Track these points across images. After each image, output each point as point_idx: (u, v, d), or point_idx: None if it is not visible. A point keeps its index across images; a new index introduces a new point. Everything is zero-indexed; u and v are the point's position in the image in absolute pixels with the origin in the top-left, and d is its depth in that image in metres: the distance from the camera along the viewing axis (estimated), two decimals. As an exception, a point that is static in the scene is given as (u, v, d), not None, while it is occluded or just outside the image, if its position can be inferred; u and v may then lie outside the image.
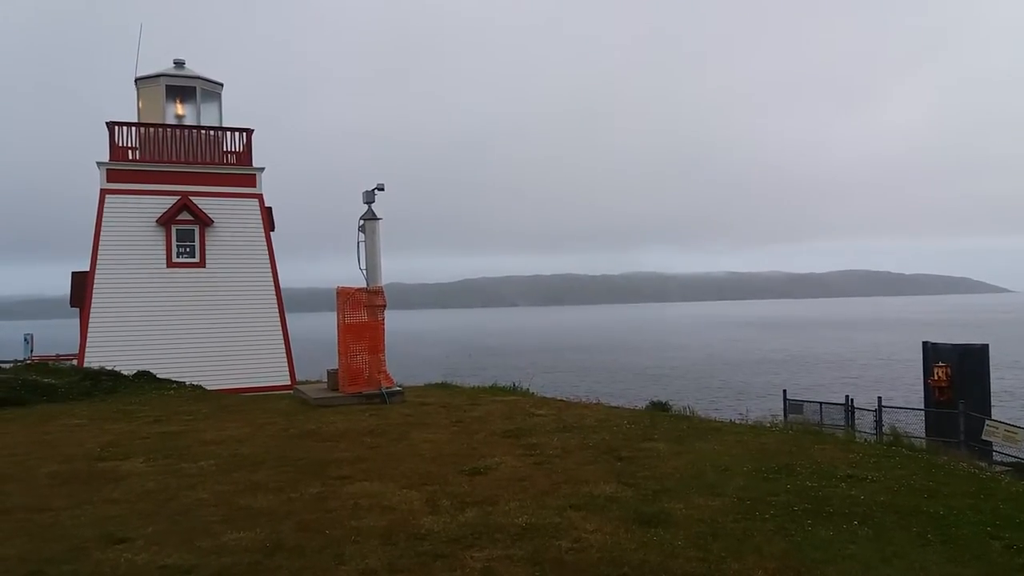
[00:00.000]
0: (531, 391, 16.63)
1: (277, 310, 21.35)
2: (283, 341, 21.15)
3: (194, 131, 21.32)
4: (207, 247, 20.75)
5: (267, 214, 21.61)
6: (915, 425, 22.55)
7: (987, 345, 24.37)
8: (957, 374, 23.48)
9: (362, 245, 15.04)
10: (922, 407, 24.76)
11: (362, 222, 15.02)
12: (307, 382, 19.35)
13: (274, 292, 21.41)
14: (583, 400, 15.26)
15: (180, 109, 22.11)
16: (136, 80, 21.76)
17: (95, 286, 19.65)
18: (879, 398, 23.90)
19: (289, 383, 20.10)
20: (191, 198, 20.53)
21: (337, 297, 14.41)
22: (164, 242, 20.35)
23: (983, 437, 20.02)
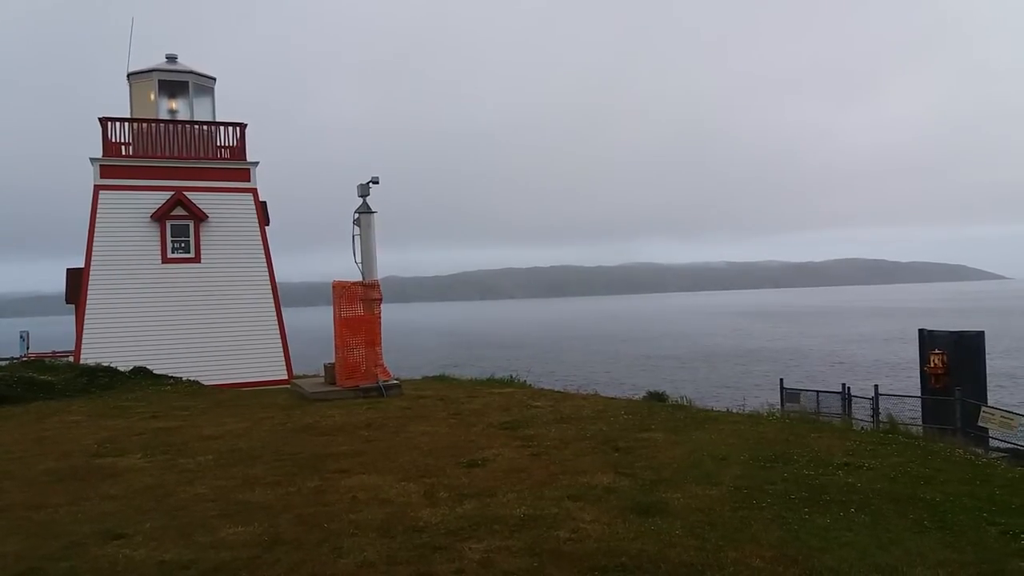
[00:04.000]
0: (528, 383, 16.65)
1: (273, 304, 21.30)
2: (279, 335, 21.12)
3: (187, 126, 21.22)
4: (202, 242, 20.67)
5: (262, 208, 21.54)
6: (912, 412, 22.60)
7: (983, 332, 24.40)
8: (953, 361, 23.50)
9: (357, 239, 15.00)
10: (918, 394, 24.81)
11: (357, 215, 14.97)
12: (304, 376, 19.35)
13: (270, 286, 21.36)
14: (580, 391, 15.28)
15: (173, 104, 21.99)
16: (128, 75, 21.63)
17: (90, 283, 19.58)
18: (875, 386, 23.92)
19: (286, 377, 20.08)
20: (185, 193, 20.43)
21: (333, 291, 14.39)
22: (159, 238, 20.27)
23: (979, 424, 20.05)
